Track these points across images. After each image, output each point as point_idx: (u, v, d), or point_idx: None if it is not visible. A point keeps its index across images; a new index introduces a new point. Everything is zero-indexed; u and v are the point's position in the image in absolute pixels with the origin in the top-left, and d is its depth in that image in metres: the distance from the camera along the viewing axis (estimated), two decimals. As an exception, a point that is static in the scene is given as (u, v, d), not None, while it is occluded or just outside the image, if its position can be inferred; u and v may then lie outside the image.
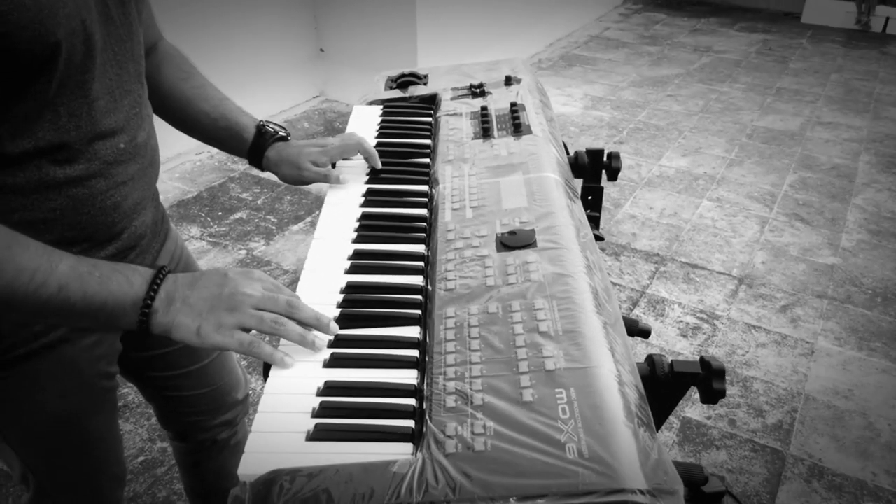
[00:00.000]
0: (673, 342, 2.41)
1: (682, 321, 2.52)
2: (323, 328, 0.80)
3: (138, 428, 2.04)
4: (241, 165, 3.53)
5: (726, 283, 2.74)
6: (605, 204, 3.24)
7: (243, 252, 2.86)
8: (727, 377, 2.23)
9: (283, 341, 0.80)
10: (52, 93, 0.77)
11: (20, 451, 1.01)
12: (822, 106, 4.49)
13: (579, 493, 0.58)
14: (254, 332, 0.79)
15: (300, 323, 0.80)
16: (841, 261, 2.89)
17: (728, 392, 2.16)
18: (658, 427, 1.06)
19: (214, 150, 3.66)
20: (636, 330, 1.32)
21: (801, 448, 1.99)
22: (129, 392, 2.15)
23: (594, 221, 1.45)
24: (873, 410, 2.12)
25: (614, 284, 2.71)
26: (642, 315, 2.56)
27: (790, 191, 3.44)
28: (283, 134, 1.17)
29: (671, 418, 2.08)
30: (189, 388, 1.24)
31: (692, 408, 2.12)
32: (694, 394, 2.16)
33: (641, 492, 0.58)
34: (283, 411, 0.71)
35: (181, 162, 3.55)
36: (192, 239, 2.93)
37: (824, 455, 1.96)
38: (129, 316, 0.78)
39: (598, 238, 1.41)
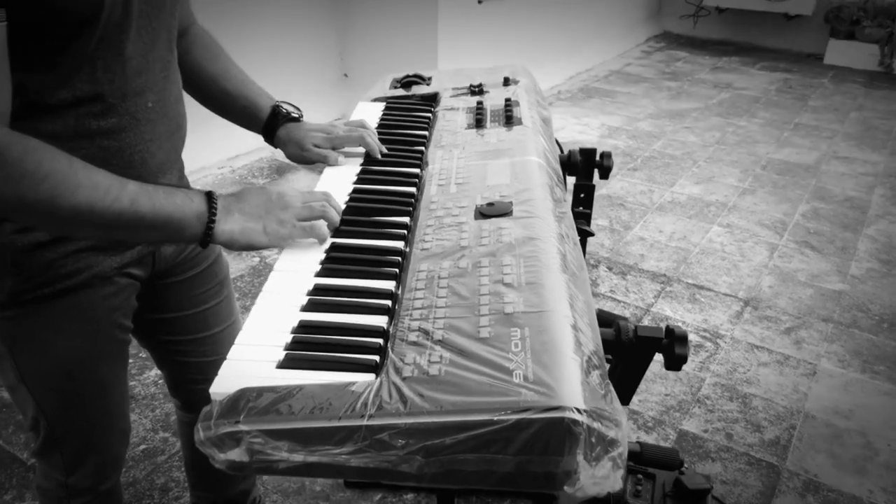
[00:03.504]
0: (675, 359, 2.42)
1: (685, 340, 2.52)
2: None
3: (142, 419, 2.10)
4: (260, 179, 3.63)
5: (732, 305, 2.74)
6: (614, 226, 3.29)
7: (256, 259, 2.94)
8: (726, 393, 2.24)
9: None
10: (91, 48, 0.86)
11: (35, 392, 1.07)
12: (840, 141, 4.51)
13: (519, 408, 0.61)
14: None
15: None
16: (849, 287, 2.88)
17: (726, 407, 2.17)
18: (629, 397, 1.09)
19: (237, 165, 3.77)
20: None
21: (798, 463, 1.98)
22: (135, 385, 2.21)
23: (585, 218, 1.50)
24: (873, 430, 2.11)
25: (618, 302, 2.73)
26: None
27: (802, 220, 3.45)
28: (296, 115, 1.25)
29: (668, 430, 2.08)
30: (199, 354, 1.29)
31: (689, 420, 2.13)
32: (691, 406, 2.17)
33: (578, 410, 0.61)
34: (257, 344, 0.76)
35: (203, 175, 3.66)
36: (208, 245, 3.01)
37: (821, 471, 1.95)
38: (194, 227, 0.90)
39: (588, 233, 1.45)
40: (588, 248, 3.08)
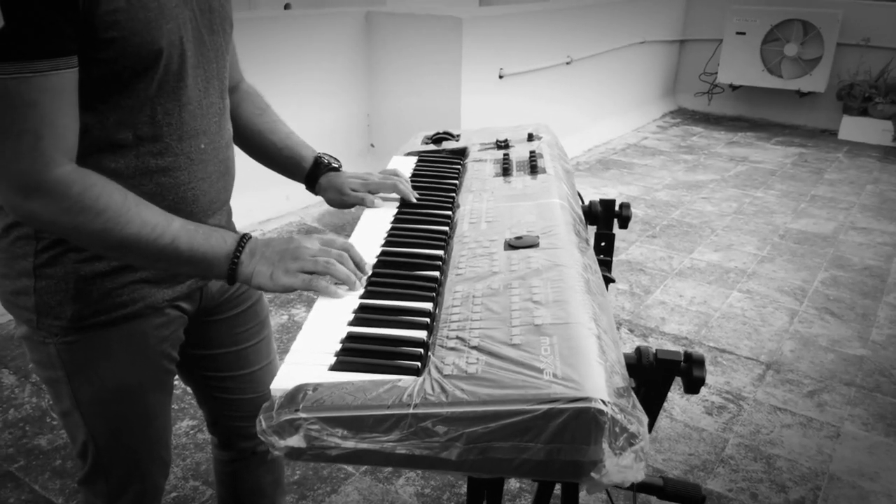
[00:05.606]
0: (698, 419, 2.44)
1: (707, 400, 2.55)
2: (363, 273, 1.02)
3: (174, 467, 2.14)
4: (290, 243, 3.76)
5: (754, 368, 2.76)
6: (634, 290, 3.34)
7: (286, 317, 3.02)
8: (750, 453, 2.24)
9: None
10: (152, 92, 0.97)
11: (87, 417, 1.13)
12: (857, 213, 4.57)
13: (549, 399, 0.68)
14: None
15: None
16: (871, 353, 2.89)
17: (751, 468, 2.17)
18: (651, 424, 1.14)
19: (267, 228, 3.91)
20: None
21: (824, 522, 1.97)
22: (168, 433, 2.27)
23: (606, 265, 1.57)
24: (901, 492, 2.09)
25: (640, 362, 2.76)
26: (669, 394, 2.59)
27: (821, 287, 3.49)
28: (336, 165, 1.37)
29: (692, 487, 2.08)
30: (239, 391, 1.36)
31: (713, 480, 2.13)
32: (716, 466, 2.17)
33: (604, 402, 0.68)
34: (310, 351, 0.84)
35: (235, 238, 3.80)
36: (239, 304, 3.11)
37: (848, 530, 1.94)
38: (222, 266, 1.00)
39: (609, 280, 1.52)
40: (609, 311, 3.13)
